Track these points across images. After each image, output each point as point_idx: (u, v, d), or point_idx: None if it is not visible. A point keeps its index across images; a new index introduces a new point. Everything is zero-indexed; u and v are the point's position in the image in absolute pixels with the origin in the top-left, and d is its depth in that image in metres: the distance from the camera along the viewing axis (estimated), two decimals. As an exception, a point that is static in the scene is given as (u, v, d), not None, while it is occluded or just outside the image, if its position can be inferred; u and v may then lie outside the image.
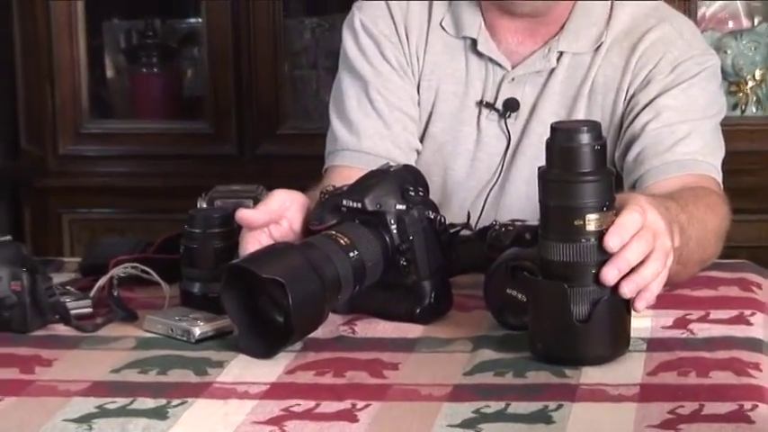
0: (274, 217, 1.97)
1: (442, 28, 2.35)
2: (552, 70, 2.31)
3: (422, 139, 2.36)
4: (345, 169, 2.25)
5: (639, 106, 2.25)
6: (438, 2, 2.36)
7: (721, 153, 2.27)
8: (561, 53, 2.31)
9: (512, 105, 2.31)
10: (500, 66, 2.32)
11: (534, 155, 2.22)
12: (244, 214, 1.95)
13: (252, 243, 1.94)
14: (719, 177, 2.23)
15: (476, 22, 2.32)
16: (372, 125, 2.32)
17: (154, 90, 3.51)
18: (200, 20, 3.35)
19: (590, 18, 2.31)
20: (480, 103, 2.33)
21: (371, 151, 2.28)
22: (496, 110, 2.32)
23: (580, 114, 2.27)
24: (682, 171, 2.18)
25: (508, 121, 2.31)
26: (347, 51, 2.38)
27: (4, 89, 3.52)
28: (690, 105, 2.25)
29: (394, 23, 2.36)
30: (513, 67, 2.32)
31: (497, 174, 2.32)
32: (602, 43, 2.30)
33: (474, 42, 2.32)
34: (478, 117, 2.34)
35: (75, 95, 3.35)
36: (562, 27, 2.31)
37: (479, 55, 2.33)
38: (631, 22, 2.31)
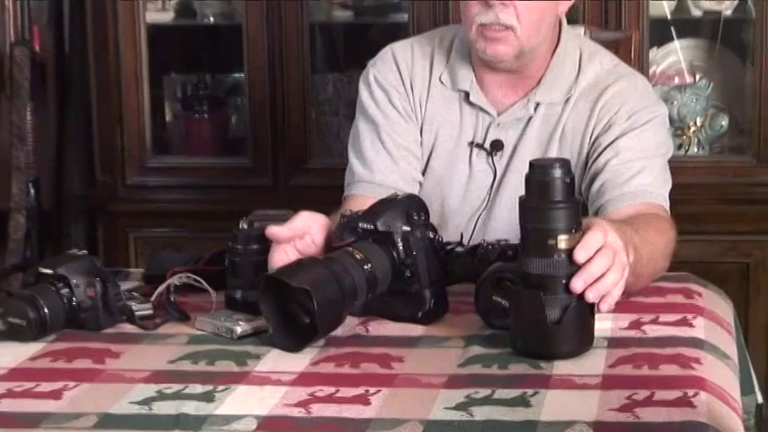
0: (298, 234, 1.97)
1: (441, 82, 2.34)
2: (530, 117, 2.30)
3: (423, 173, 2.35)
4: (361, 197, 2.25)
5: (602, 147, 2.24)
6: (437, 60, 2.35)
7: (669, 185, 2.26)
8: (538, 103, 2.30)
9: (497, 146, 2.31)
10: (488, 113, 2.31)
11: (516, 187, 2.21)
12: (272, 230, 1.96)
13: (278, 254, 1.95)
14: (667, 205, 2.23)
15: (468, 77, 2.32)
16: (383, 161, 2.32)
17: (204, 132, 3.51)
18: (242, 75, 3.34)
19: (562, 75, 2.30)
20: (472, 144, 2.32)
21: (382, 183, 2.28)
22: (485, 149, 2.31)
23: (553, 153, 2.26)
24: (636, 200, 2.17)
25: (495, 158, 2.31)
26: (363, 100, 2.37)
27: (82, 130, 3.52)
28: (643, 146, 2.24)
29: (401, 78, 2.35)
30: (498, 115, 2.31)
31: (486, 202, 2.31)
32: (571, 95, 2.29)
33: (467, 94, 2.32)
34: (470, 155, 2.33)
35: (140, 136, 3.35)
36: (539, 82, 2.30)
37: (471, 104, 2.32)
38: (595, 79, 2.30)
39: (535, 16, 2.21)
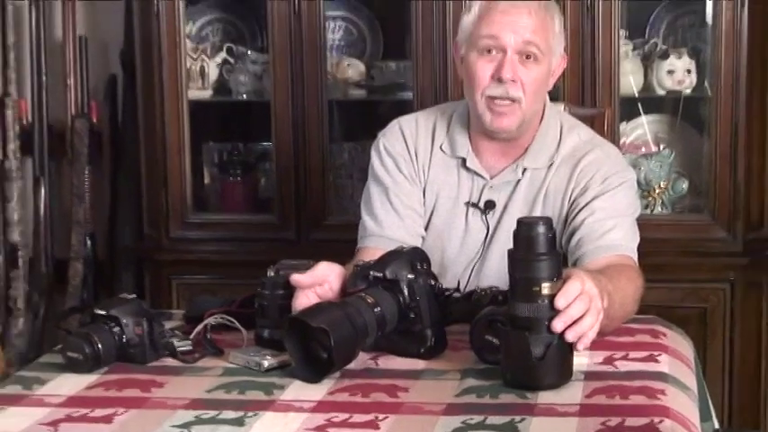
0: (318, 281, 1.97)
1: (442, 150, 2.35)
2: (519, 180, 2.30)
3: (426, 228, 2.35)
4: (372, 249, 2.25)
5: (579, 207, 2.24)
6: (439, 131, 2.36)
7: (637, 240, 2.26)
8: (525, 168, 2.30)
9: (490, 205, 2.31)
10: (482, 177, 2.31)
11: (505, 241, 2.20)
12: (296, 278, 1.96)
13: (301, 298, 1.95)
14: (636, 257, 2.22)
15: (465, 146, 2.32)
16: (391, 219, 2.32)
17: (237, 192, 3.51)
18: (270, 144, 3.35)
19: (545, 144, 2.31)
20: (468, 204, 2.33)
21: (390, 237, 2.28)
22: (479, 208, 2.31)
23: (538, 212, 2.26)
24: (609, 253, 2.17)
25: (488, 216, 2.31)
26: (374, 166, 2.38)
27: (133, 190, 3.53)
28: (615, 207, 2.24)
29: (407, 147, 2.36)
30: (491, 178, 2.31)
31: (479, 254, 2.31)
32: (553, 162, 2.29)
33: (464, 160, 2.32)
34: (466, 213, 2.33)
35: (182, 195, 3.35)
36: (526, 150, 2.30)
37: (467, 169, 2.32)
38: (573, 148, 2.31)
39: (534, 89, 2.22)
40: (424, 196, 2.35)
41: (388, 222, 2.32)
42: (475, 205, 2.32)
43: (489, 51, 2.20)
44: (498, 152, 2.31)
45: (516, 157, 2.31)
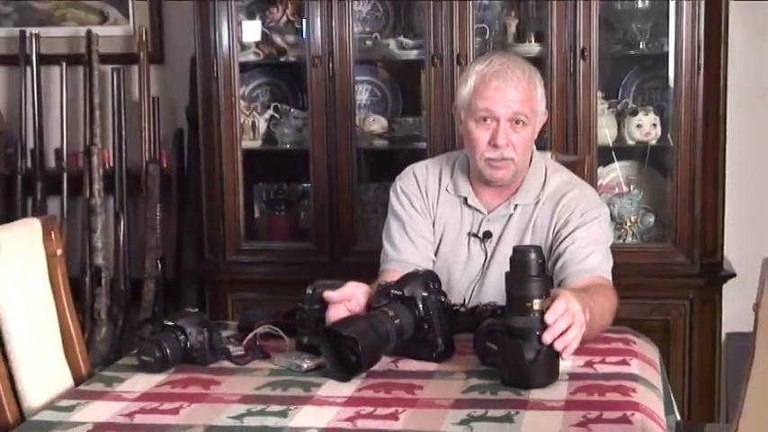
0: (346, 297, 1.98)
1: (447, 191, 2.36)
2: (511, 215, 2.31)
3: (435, 255, 2.35)
4: (392, 271, 2.24)
5: (562, 237, 2.24)
6: (444, 175, 2.37)
7: (611, 264, 2.26)
8: (516, 205, 2.30)
9: (488, 235, 2.31)
10: (481, 212, 2.32)
11: (501, 264, 2.21)
12: (328, 294, 1.97)
13: (333, 312, 1.96)
14: (610, 278, 2.22)
15: (466, 187, 2.33)
16: (407, 247, 2.32)
17: (281, 224, 3.50)
18: (309, 184, 3.35)
19: (533, 185, 2.31)
20: (469, 234, 2.33)
21: (407, 261, 2.28)
22: (479, 238, 2.31)
23: (527, 241, 2.26)
24: (588, 274, 2.16)
25: (486, 244, 2.31)
26: (392, 204, 2.39)
27: (196, 223, 3.52)
28: (592, 236, 2.24)
29: (419, 187, 2.37)
30: (488, 213, 2.32)
31: (479, 275, 2.31)
32: (540, 199, 2.30)
33: (465, 199, 2.33)
34: (468, 242, 2.33)
35: (237, 227, 3.35)
36: (517, 190, 2.31)
37: (469, 206, 2.33)
38: (556, 188, 2.31)
39: (524, 147, 2.24)
40: (434, 227, 2.35)
41: (405, 250, 2.32)
42: (475, 235, 2.31)
43: (485, 120, 2.21)
44: (494, 193, 2.32)
45: (509, 196, 2.31)
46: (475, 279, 2.30)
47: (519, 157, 2.23)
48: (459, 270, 2.32)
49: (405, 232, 2.34)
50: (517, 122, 2.21)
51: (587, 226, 2.24)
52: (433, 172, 2.39)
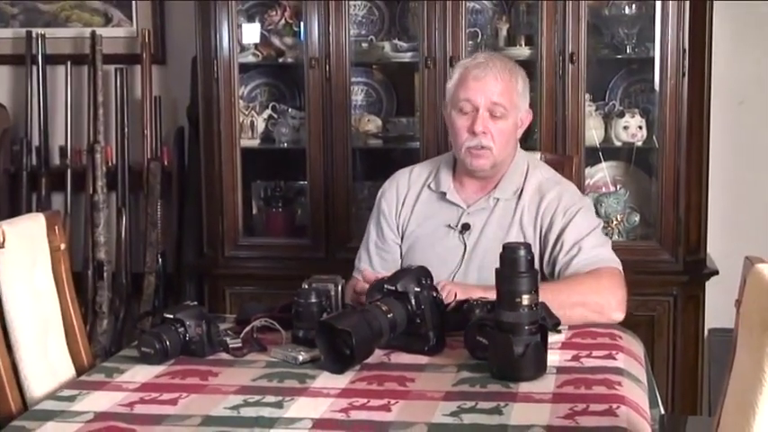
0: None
1: (430, 188, 2.39)
2: (492, 208, 2.31)
3: (416, 248, 2.35)
4: (361, 282, 2.21)
5: (551, 242, 2.26)
6: (430, 174, 2.40)
7: (606, 244, 2.28)
8: (498, 199, 2.31)
9: (466, 227, 2.31)
10: (459, 206, 2.33)
11: (482, 257, 2.25)
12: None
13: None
14: (607, 256, 2.24)
15: (448, 182, 2.35)
16: (377, 257, 2.39)
17: (278, 221, 3.49)
18: (305, 182, 3.35)
19: (512, 180, 2.33)
20: (449, 227, 2.33)
21: (377, 270, 2.29)
22: (457, 230, 2.32)
23: (513, 237, 2.27)
24: (587, 269, 2.18)
25: (465, 236, 2.31)
26: (375, 209, 2.45)
27: (195, 219, 3.51)
28: (579, 231, 2.25)
29: (397, 195, 2.40)
30: (468, 206, 2.33)
31: (458, 267, 2.30)
32: (521, 194, 2.30)
33: (444, 194, 2.35)
34: (447, 234, 2.33)
35: (235, 223, 3.35)
36: (497, 185, 2.32)
37: (447, 201, 2.34)
38: (537, 184, 2.33)
39: (504, 139, 2.26)
40: (408, 225, 2.37)
41: (376, 260, 2.38)
42: (453, 228, 2.32)
43: (466, 109, 2.24)
44: (476, 186, 2.34)
45: (489, 190, 2.33)
46: (454, 270, 2.30)
47: (498, 148, 2.25)
48: (438, 262, 2.30)
49: (378, 239, 2.39)
50: (496, 113, 2.23)
51: (572, 223, 2.25)
52: (420, 174, 2.42)
